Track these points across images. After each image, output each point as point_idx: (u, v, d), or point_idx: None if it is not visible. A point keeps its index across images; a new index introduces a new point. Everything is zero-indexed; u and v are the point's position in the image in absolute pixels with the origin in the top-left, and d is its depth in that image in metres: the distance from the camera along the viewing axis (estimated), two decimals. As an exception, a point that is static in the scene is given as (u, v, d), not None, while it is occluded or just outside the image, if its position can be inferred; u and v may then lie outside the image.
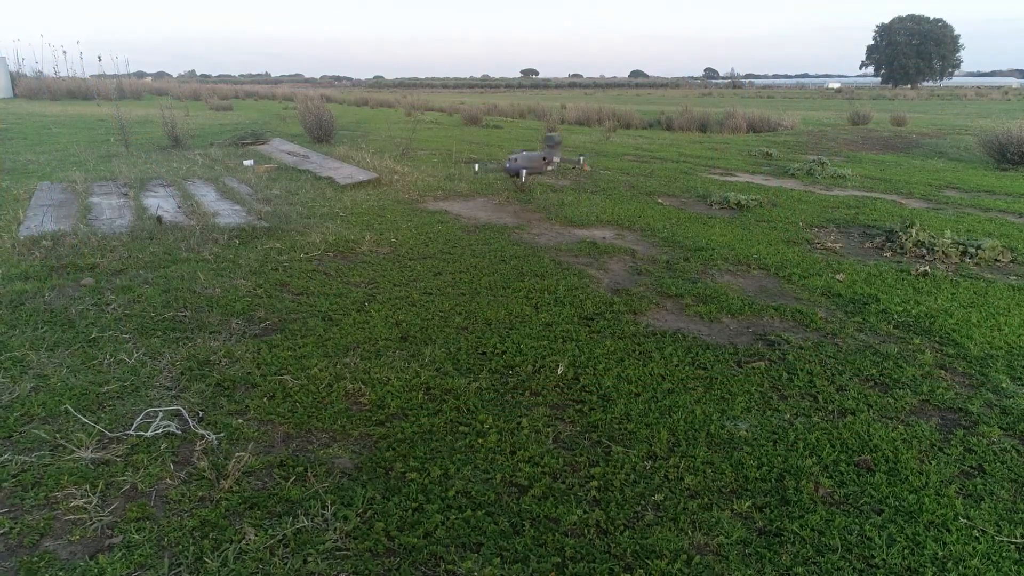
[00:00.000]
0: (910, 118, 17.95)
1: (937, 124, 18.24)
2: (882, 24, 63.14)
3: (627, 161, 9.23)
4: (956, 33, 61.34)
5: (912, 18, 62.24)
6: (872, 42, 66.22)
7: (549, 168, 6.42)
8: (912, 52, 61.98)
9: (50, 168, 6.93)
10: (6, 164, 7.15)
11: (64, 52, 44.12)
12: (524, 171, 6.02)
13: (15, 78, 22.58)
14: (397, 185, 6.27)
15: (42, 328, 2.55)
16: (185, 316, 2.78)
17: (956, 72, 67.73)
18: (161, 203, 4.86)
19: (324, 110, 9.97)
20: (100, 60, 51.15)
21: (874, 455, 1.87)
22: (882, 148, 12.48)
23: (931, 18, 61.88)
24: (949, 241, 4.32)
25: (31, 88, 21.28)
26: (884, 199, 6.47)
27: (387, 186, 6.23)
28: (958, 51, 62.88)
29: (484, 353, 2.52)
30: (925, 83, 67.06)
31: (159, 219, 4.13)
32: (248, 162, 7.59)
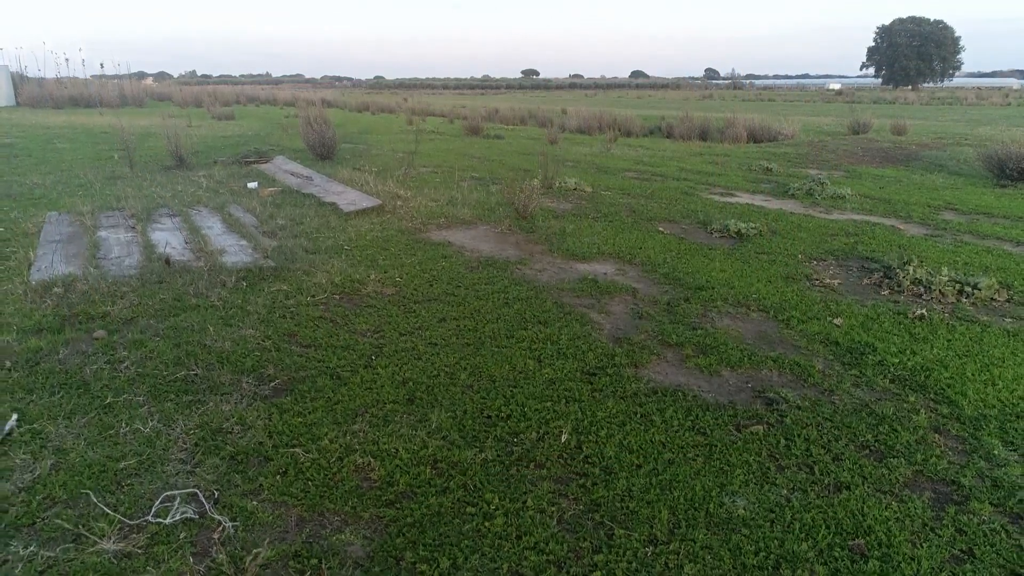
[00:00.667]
0: (910, 126, 17.97)
1: (937, 132, 18.27)
2: (882, 26, 63.29)
3: (628, 179, 9.28)
4: (957, 35, 61.42)
5: (912, 20, 62.27)
6: (873, 44, 66.29)
7: None
8: (913, 54, 62.04)
9: (56, 193, 7.00)
10: (14, 188, 7.20)
11: (67, 59, 44.23)
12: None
13: (18, 86, 22.63)
14: (400, 212, 6.33)
15: (58, 393, 2.61)
16: (196, 375, 2.84)
17: (957, 73, 67.73)
18: (168, 239, 4.93)
19: (326, 127, 10.02)
20: (103, 67, 51.32)
21: (868, 537, 1.93)
22: (882, 161, 12.52)
23: (932, 20, 61.91)
24: (946, 279, 4.38)
25: (34, 96, 21.34)
26: (883, 224, 6.52)
27: (390, 213, 6.29)
28: (959, 52, 62.91)
29: (489, 417, 2.58)
30: (926, 84, 67.05)
31: (167, 260, 4.19)
32: (252, 184, 7.65)
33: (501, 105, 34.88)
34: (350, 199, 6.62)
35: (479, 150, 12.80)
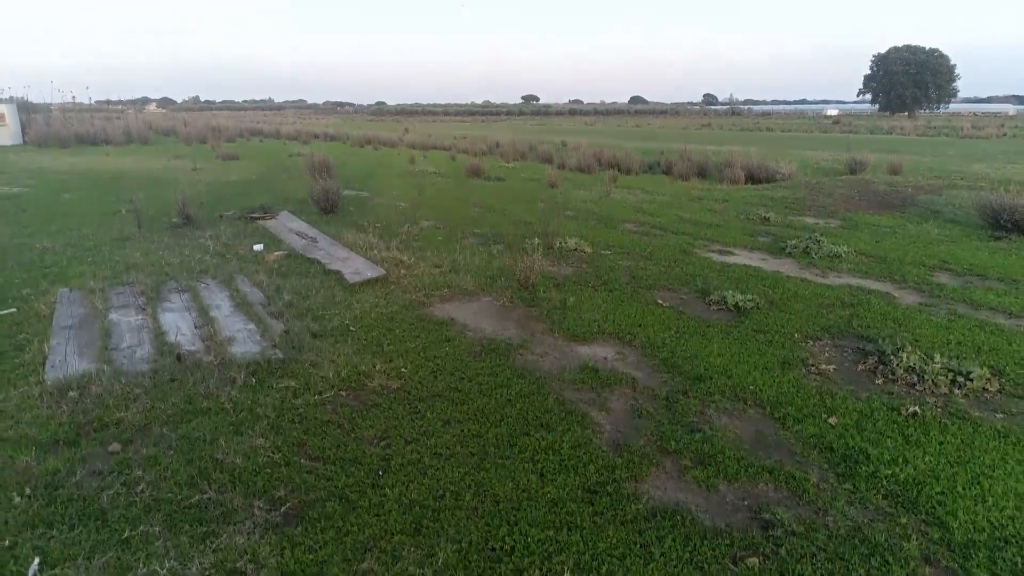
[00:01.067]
0: (905, 163, 18.18)
1: (933, 169, 18.48)
2: (879, 54, 64.18)
3: (627, 233, 9.41)
4: (952, 63, 62.21)
5: (908, 48, 63.12)
6: (869, 71, 67.11)
7: None
8: (909, 82, 62.80)
9: (67, 260, 7.14)
10: (24, 254, 7.35)
11: (73, 97, 44.88)
12: None
13: (25, 123, 22.96)
14: (404, 282, 6.46)
15: (78, 527, 2.70)
16: (210, 499, 2.93)
17: (952, 100, 68.47)
18: (178, 322, 5.04)
19: (329, 178, 10.20)
20: (109, 103, 52.20)
21: None
22: (878, 206, 12.68)
23: (927, 48, 62.76)
24: (939, 367, 4.48)
25: (41, 135, 21.63)
26: (878, 292, 6.63)
27: (394, 283, 6.42)
28: (954, 81, 63.65)
29: (494, 550, 2.67)
30: (922, 111, 67.76)
31: (179, 357, 4.30)
32: (258, 247, 7.80)
33: (502, 136, 35.25)
34: (354, 267, 6.74)
35: (481, 195, 12.97)
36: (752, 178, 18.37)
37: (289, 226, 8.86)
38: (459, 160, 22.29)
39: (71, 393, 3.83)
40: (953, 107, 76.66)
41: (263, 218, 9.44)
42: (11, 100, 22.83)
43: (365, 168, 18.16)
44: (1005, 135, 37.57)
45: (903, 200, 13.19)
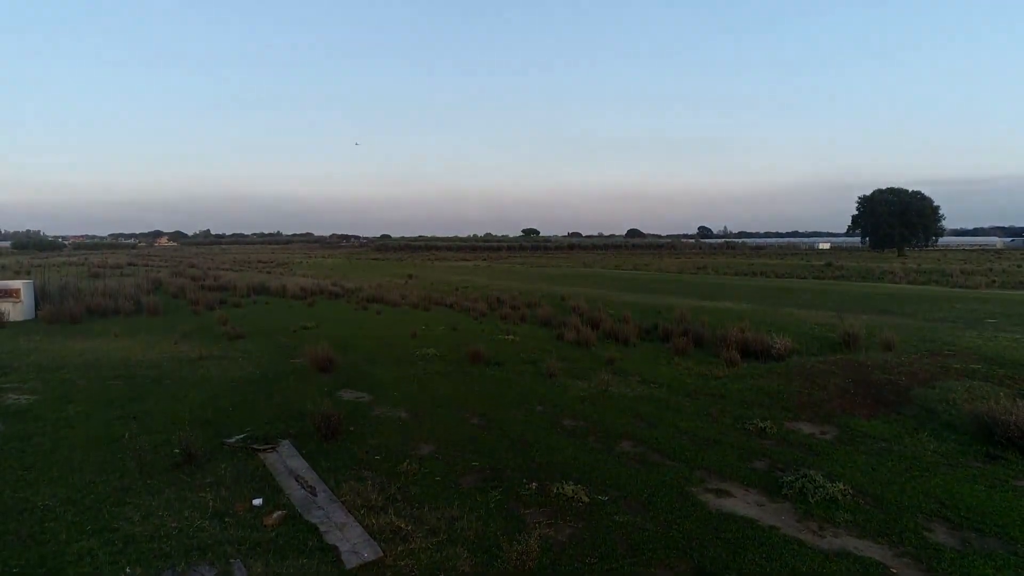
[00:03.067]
0: (899, 329, 18.51)
1: (926, 340, 18.78)
2: (864, 196, 67.03)
3: (625, 461, 9.37)
4: (935, 205, 64.86)
5: (891, 191, 66.16)
6: (856, 212, 69.86)
7: None
8: (895, 221, 65.17)
9: (65, 530, 7.17)
10: (24, 523, 7.39)
11: (87, 236, 46.49)
12: None
13: (40, 301, 23.72)
14: (400, 564, 6.46)
15: None
16: None
17: (939, 239, 70.87)
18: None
19: (331, 410, 10.42)
20: (122, 237, 53.94)
21: None
22: (874, 403, 12.82)
23: (910, 191, 65.77)
24: None
25: (52, 311, 22.27)
26: (872, 561, 6.59)
27: (390, 567, 6.42)
28: (939, 221, 66.13)
29: None
30: (912, 247, 69.83)
31: None
32: (257, 501, 7.87)
33: (502, 284, 36.21)
34: (351, 543, 6.77)
35: (480, 394, 13.12)
36: (747, 350, 18.76)
37: (289, 465, 8.96)
38: (460, 329, 22.76)
39: None
40: (942, 240, 79.09)
41: (264, 450, 9.55)
42: (30, 278, 23.74)
43: (367, 350, 18.51)
44: (994, 282, 38.46)
45: (898, 394, 13.33)
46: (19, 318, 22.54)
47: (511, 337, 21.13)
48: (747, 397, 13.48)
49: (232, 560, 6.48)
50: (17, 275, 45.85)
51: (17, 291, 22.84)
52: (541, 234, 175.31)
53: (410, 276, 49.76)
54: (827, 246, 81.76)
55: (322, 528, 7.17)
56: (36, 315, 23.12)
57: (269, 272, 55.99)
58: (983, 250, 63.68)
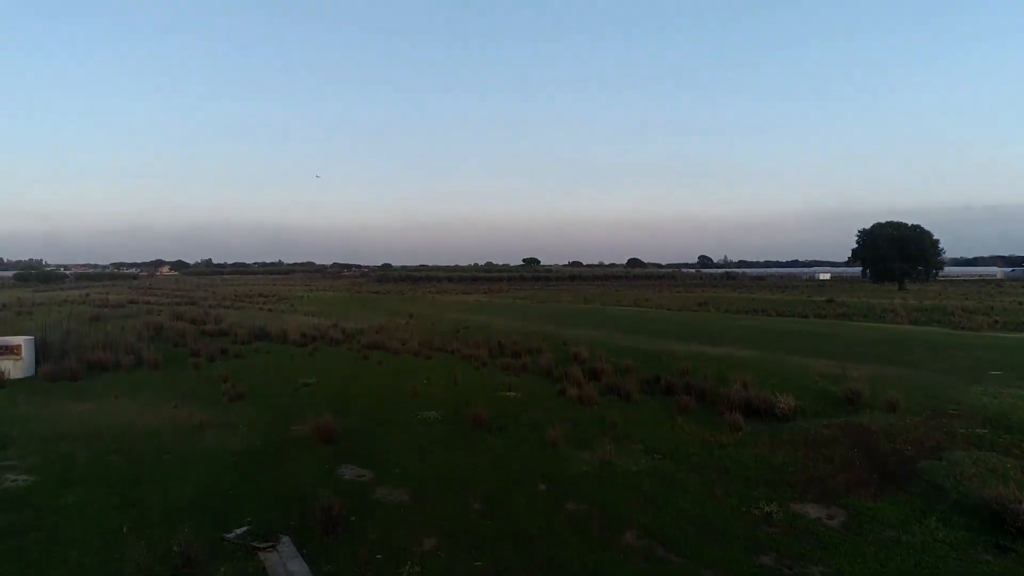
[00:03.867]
0: (901, 383, 18.41)
1: (930, 396, 18.66)
2: (864, 230, 67.27)
3: (630, 560, 9.23)
4: (935, 238, 65.16)
5: (891, 224, 66.44)
6: (856, 246, 70.13)
7: None
8: (895, 255, 65.34)
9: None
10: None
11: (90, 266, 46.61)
12: None
13: (41, 359, 23.70)
14: None
15: None
16: None
17: (940, 273, 71.08)
18: None
19: (332, 502, 10.32)
20: (123, 266, 54.11)
21: None
22: (881, 481, 12.67)
23: (909, 224, 66.04)
24: None
25: (53, 369, 22.23)
26: None
27: None
28: (939, 254, 66.36)
29: None
30: (913, 281, 69.92)
31: None
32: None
33: (502, 324, 36.05)
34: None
35: (481, 474, 12.91)
36: (750, 408, 18.68)
37: (289, 568, 8.84)
38: (461, 384, 22.65)
39: None
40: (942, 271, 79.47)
41: (265, 548, 9.43)
42: (31, 336, 23.74)
43: (369, 413, 18.43)
44: (996, 322, 38.40)
45: (904, 467, 13.20)
46: (20, 375, 22.51)
47: (512, 394, 21.00)
48: (752, 472, 13.33)
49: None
50: (19, 316, 45.98)
51: (18, 347, 22.85)
52: (542, 263, 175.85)
53: (411, 316, 49.70)
54: (827, 276, 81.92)
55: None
56: (37, 371, 23.03)
57: (270, 310, 55.97)
58: (983, 281, 63.72)
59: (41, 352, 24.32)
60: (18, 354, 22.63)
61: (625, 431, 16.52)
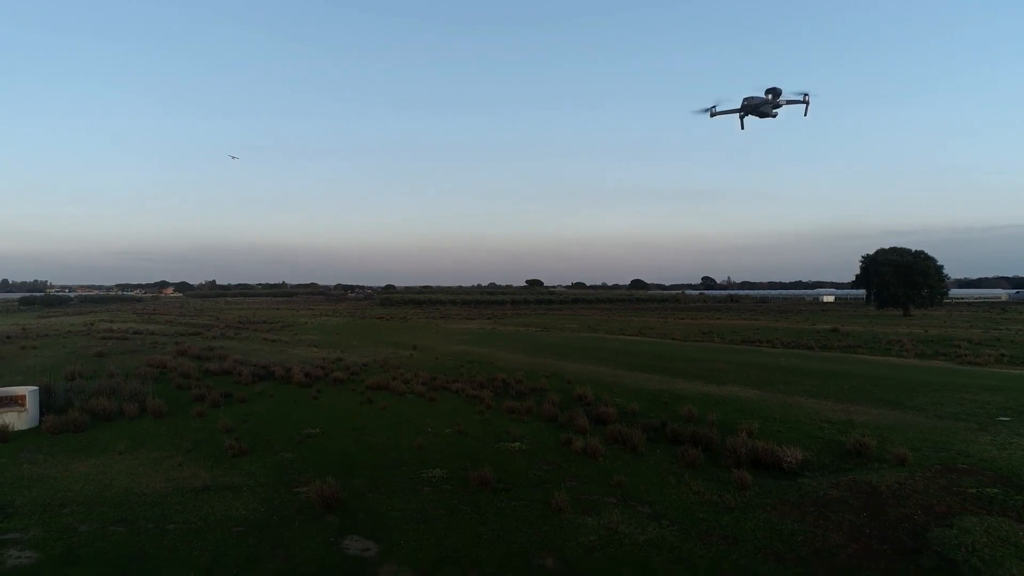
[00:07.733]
0: (908, 430, 18.26)
1: (940, 446, 18.53)
2: (867, 255, 67.16)
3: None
4: (939, 264, 65.10)
5: (895, 251, 66.39)
6: (859, 272, 70.04)
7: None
8: (899, 282, 65.25)
9: None
10: None
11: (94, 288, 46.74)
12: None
13: (44, 411, 23.69)
14: None
15: None
16: None
17: (944, 287, 71.01)
18: None
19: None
20: (128, 287, 54.29)
21: None
22: (891, 552, 12.50)
23: (913, 251, 65.98)
24: None
25: (56, 422, 22.20)
26: None
27: None
28: (943, 280, 66.25)
29: None
30: (918, 305, 69.71)
31: None
32: None
33: (505, 359, 35.96)
34: None
35: (487, 546, 12.72)
36: (755, 458, 18.56)
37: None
38: (466, 434, 22.51)
39: None
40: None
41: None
42: (35, 388, 23.74)
43: (373, 472, 18.34)
44: (1003, 356, 38.20)
45: (915, 537, 13.04)
46: (24, 427, 22.47)
47: (517, 444, 20.89)
48: (761, 542, 13.17)
49: None
50: (23, 351, 46.05)
51: (23, 398, 22.86)
52: (545, 284, 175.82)
53: (414, 347, 49.66)
54: (831, 299, 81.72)
55: None
56: (40, 422, 22.99)
57: (274, 340, 56.00)
58: (988, 304, 63.52)
59: (45, 402, 24.29)
60: (23, 405, 22.61)
61: (632, 491, 16.36)
